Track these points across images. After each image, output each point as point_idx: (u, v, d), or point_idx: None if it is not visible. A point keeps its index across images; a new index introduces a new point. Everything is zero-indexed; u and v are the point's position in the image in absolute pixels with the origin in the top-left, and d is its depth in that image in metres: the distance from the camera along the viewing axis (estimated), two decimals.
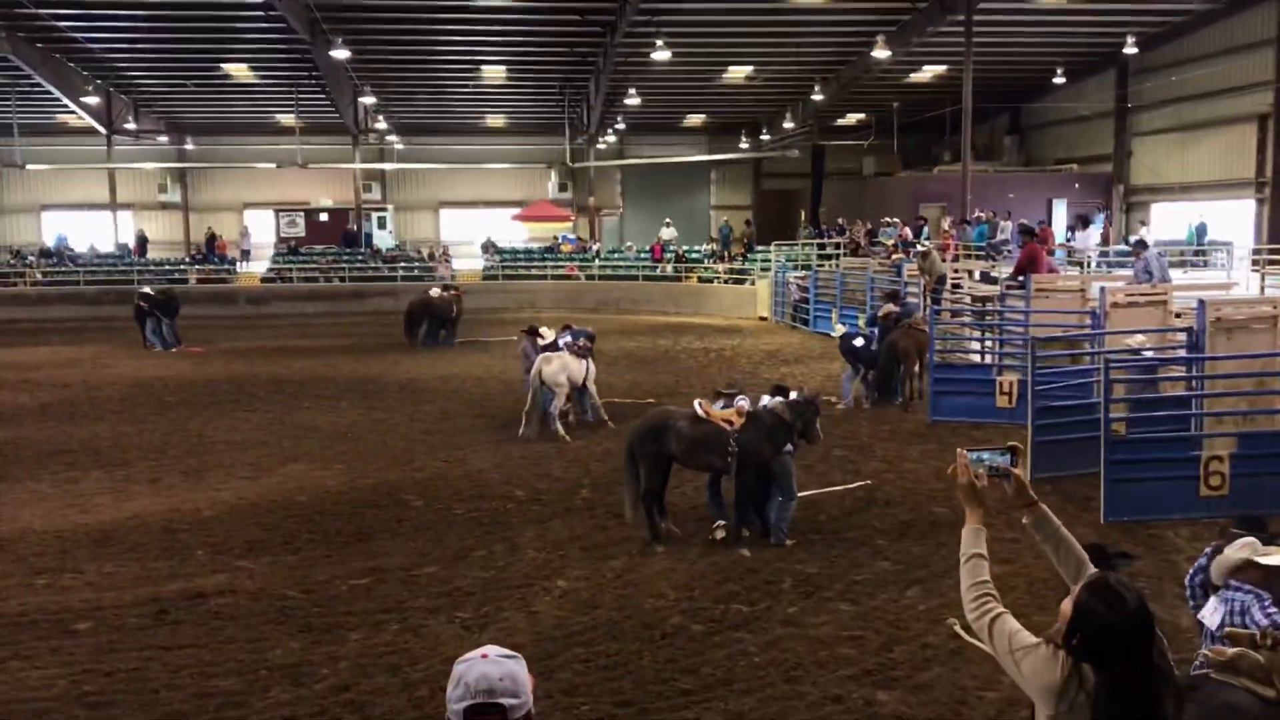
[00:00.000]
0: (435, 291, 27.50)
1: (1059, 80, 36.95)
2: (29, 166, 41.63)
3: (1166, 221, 35.25)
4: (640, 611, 8.48)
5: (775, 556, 9.77)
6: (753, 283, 33.86)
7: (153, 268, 37.40)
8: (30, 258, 40.11)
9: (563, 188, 45.28)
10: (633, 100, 36.84)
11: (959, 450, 3.60)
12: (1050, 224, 33.09)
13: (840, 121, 45.89)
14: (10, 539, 10.66)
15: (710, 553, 9.90)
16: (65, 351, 26.65)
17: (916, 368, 16.82)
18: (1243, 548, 4.82)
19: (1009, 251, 26.59)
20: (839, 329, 17.59)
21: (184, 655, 7.85)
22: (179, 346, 26.53)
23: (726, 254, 37.98)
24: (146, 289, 27.20)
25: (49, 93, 37.09)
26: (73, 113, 39.76)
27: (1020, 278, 17.83)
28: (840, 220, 37.65)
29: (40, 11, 30.68)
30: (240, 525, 11.10)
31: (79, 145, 43.04)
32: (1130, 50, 32.60)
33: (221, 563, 9.91)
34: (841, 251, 32.64)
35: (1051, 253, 24.63)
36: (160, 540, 10.61)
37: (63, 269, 39.04)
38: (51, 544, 10.52)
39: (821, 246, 34.45)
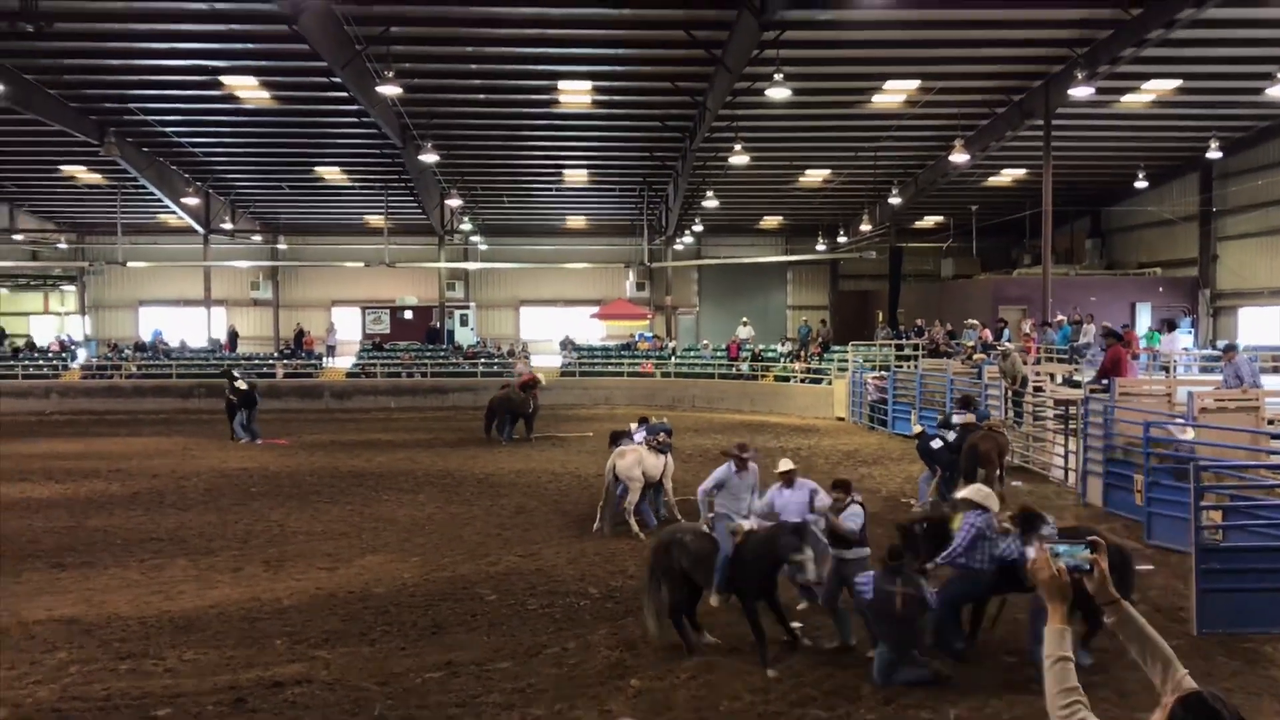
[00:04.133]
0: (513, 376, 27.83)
1: (1141, 184, 36.68)
2: (129, 264, 43.40)
3: (1255, 326, 34.45)
4: (716, 714, 8.32)
5: (854, 661, 9.54)
6: (830, 382, 33.69)
7: (242, 362, 38.44)
8: (126, 351, 41.56)
9: (640, 286, 45.86)
10: (710, 202, 37.40)
11: (1039, 544, 3.54)
12: (1134, 328, 32.54)
13: (918, 223, 45.98)
14: (97, 624, 10.86)
15: (787, 655, 9.71)
16: (156, 442, 27.38)
17: (998, 471, 16.51)
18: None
19: (1092, 355, 26.15)
20: (917, 428, 17.34)
21: None
22: (260, 439, 27.07)
23: (804, 354, 37.94)
24: (239, 382, 27.82)
25: (151, 193, 38.83)
26: (172, 213, 41.51)
27: (1104, 381, 17.51)
28: (919, 321, 37.46)
29: (148, 118, 32.36)
30: (318, 615, 11.18)
31: (177, 244, 44.84)
32: (1214, 154, 32.32)
33: (299, 652, 9.98)
34: (920, 352, 32.40)
35: (1136, 356, 24.16)
36: (240, 628, 10.73)
37: (156, 362, 40.35)
38: (136, 629, 10.70)
39: (900, 347, 34.24)
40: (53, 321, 49.59)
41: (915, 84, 28.55)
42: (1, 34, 24.45)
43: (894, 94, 29.42)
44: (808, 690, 8.84)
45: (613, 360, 40.70)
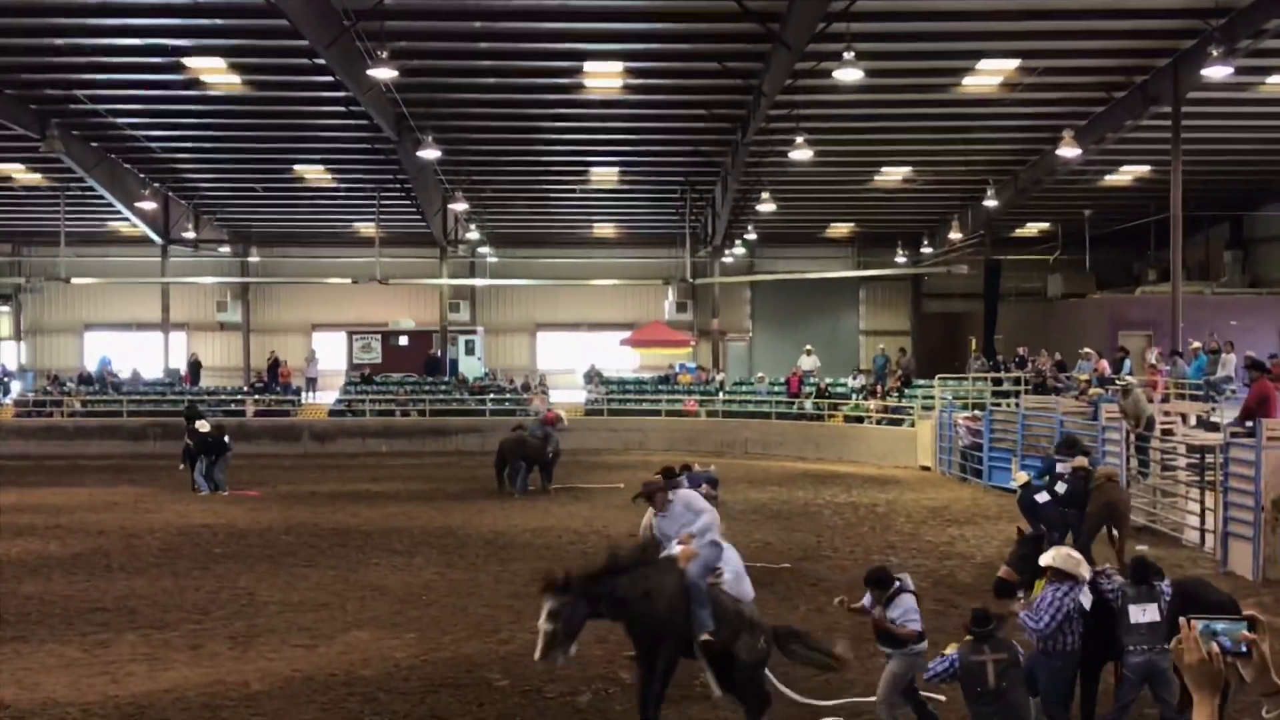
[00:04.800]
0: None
1: None
2: (74, 280, 43.96)
3: None
4: None
5: None
6: (912, 424, 33.50)
7: (206, 397, 38.80)
8: (69, 384, 42.06)
9: (681, 307, 45.87)
10: (766, 206, 37.44)
11: (1187, 620, 3.43)
12: None
13: (1019, 232, 45.78)
14: (30, 711, 10.92)
15: None
16: (103, 493, 27.60)
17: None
18: None
19: (1233, 391, 25.84)
20: (1020, 477, 17.14)
21: None
22: (227, 490, 27.25)
23: (880, 388, 37.77)
24: (202, 424, 28.12)
25: (100, 197, 39.41)
26: (125, 220, 42.09)
27: (1249, 422, 17.29)
28: (1020, 350, 37.21)
29: (97, 108, 32.87)
30: (293, 703, 11.18)
31: (130, 257, 45.46)
32: None
33: None
34: (1023, 387, 32.16)
35: None
36: (200, 719, 10.75)
37: (104, 397, 40.78)
38: (77, 718, 10.74)
39: (998, 381, 34.01)
40: None
41: (1015, 63, 28.48)
42: None
43: (989, 75, 29.39)
44: None
45: (648, 396, 40.71)
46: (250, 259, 48.80)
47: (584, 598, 9.05)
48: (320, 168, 38.95)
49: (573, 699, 11.30)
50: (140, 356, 45.28)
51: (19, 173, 39.10)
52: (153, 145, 36.89)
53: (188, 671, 12.28)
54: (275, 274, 48.73)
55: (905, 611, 9.62)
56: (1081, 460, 17.46)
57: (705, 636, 9.34)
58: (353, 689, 11.63)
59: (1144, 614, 9.32)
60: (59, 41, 28.39)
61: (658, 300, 47.33)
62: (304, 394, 42.51)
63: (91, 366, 44.81)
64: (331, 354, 47.20)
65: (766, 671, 10.02)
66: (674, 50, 28.85)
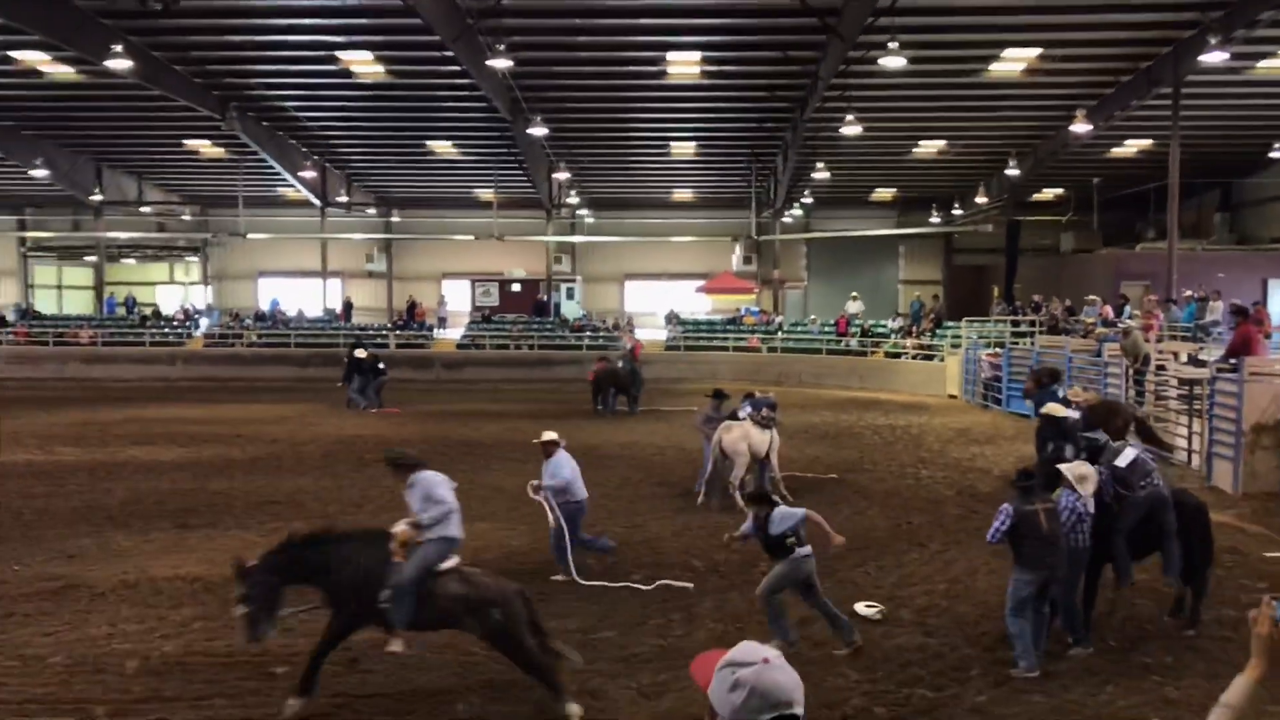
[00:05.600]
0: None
1: (1276, 154, 34.95)
2: (249, 236, 44.83)
3: None
4: (820, 691, 8.28)
5: (964, 642, 9.40)
6: (942, 359, 33.07)
7: (357, 332, 39.43)
8: (247, 321, 43.01)
9: (747, 260, 45.51)
10: (821, 174, 36.91)
11: (1267, 599, 3.31)
12: (1265, 305, 31.11)
13: (1036, 196, 44.66)
14: (219, 583, 11.28)
15: (896, 634, 9.62)
16: (274, 409, 28.29)
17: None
18: None
19: (1219, 333, 25.13)
20: (1055, 409, 16.51)
21: (372, 704, 8.13)
22: (379, 407, 27.80)
23: (915, 329, 37.28)
24: (360, 351, 28.74)
25: (271, 168, 39.96)
26: (291, 186, 42.64)
27: (1232, 360, 16.82)
28: (1036, 297, 36.46)
29: (267, 94, 33.29)
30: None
31: (295, 216, 46.10)
32: None
33: None
34: (1037, 329, 31.55)
35: (1268, 335, 23.12)
36: None
37: (275, 331, 41.66)
38: None
39: (1016, 324, 33.40)
40: (178, 291, 51.56)
41: (1036, 52, 27.68)
42: (131, 13, 25.41)
43: (1014, 62, 28.58)
44: (915, 670, 8.75)
45: (718, 334, 40.59)
46: (392, 219, 49.17)
47: (269, 573, 7.98)
48: (448, 143, 39.08)
49: (641, 586, 11.39)
50: (304, 299, 46.04)
51: (205, 147, 39.73)
52: (312, 124, 37.25)
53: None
54: (412, 231, 49.09)
55: (782, 519, 9.24)
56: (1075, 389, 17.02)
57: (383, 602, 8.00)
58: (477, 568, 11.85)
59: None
60: (237, 38, 28.72)
61: (726, 254, 46.95)
62: (436, 330, 42.99)
63: (264, 306, 45.66)
64: (458, 298, 47.69)
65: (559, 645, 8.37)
66: (744, 41, 28.45)
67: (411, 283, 48.77)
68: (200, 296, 49.91)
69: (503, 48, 24.37)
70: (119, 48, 24.92)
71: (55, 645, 9.34)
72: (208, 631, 9.74)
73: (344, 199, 44.83)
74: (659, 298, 48.13)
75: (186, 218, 48.66)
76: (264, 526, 14.08)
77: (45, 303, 49.31)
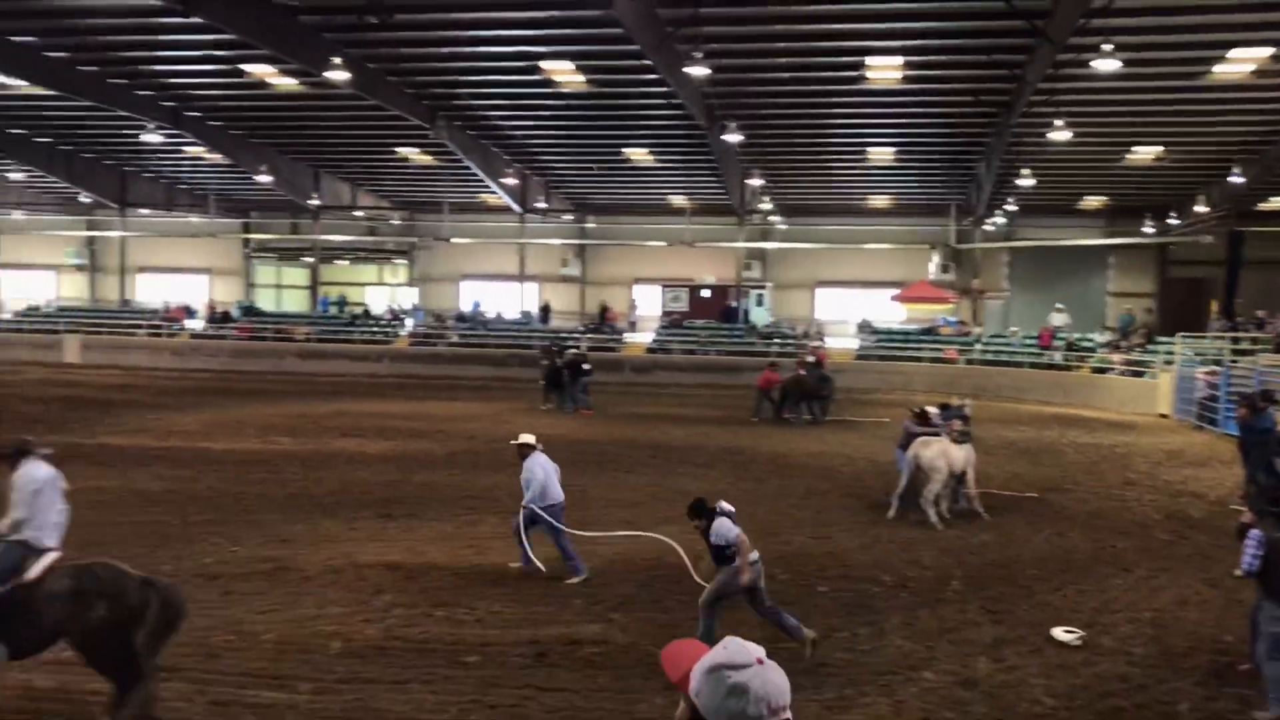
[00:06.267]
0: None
1: None
2: (453, 240, 46.62)
3: None
4: (1014, 717, 7.98)
5: (1172, 674, 8.87)
6: (1153, 376, 31.30)
7: (551, 335, 40.41)
8: (449, 321, 44.77)
9: (945, 269, 44.29)
10: (1026, 181, 35.52)
11: None
12: None
13: (1263, 205, 41.70)
14: (418, 572, 11.80)
15: (1097, 662, 9.16)
16: (473, 406, 29.30)
17: None
18: None
19: None
20: None
21: (558, 698, 8.31)
22: (576, 408, 28.38)
23: (1124, 344, 35.41)
24: (567, 353, 29.61)
25: (474, 174, 41.43)
26: (493, 192, 44.09)
27: None
28: (1260, 313, 34.06)
29: (474, 103, 34.57)
30: (615, 580, 11.64)
31: (495, 222, 47.65)
32: None
33: (596, 613, 10.43)
34: (1260, 347, 29.46)
35: None
36: (544, 586, 11.35)
37: (475, 332, 43.20)
38: (450, 580, 11.54)
39: (1236, 340, 31.29)
40: (385, 292, 54.08)
41: (1268, 52, 25.81)
42: (351, 27, 26.89)
43: (1240, 63, 26.73)
44: (1116, 701, 8.31)
45: (912, 345, 39.65)
46: (587, 224, 50.20)
47: None
48: (643, 149, 39.58)
49: (840, 594, 11.24)
50: (502, 300, 47.49)
51: (415, 154, 41.55)
52: (515, 132, 38.41)
53: (535, 549, 12.93)
54: (606, 237, 49.95)
55: (721, 533, 9.22)
56: None
57: None
58: (660, 572, 11.97)
59: None
60: (446, 50, 29.95)
61: (922, 262, 45.79)
62: (626, 334, 43.60)
63: (466, 307, 47.36)
64: (648, 302, 48.26)
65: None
66: (947, 45, 27.70)
67: (604, 287, 49.63)
68: (407, 297, 52.18)
69: (700, 55, 24.51)
70: (338, 60, 26.38)
71: (267, 623, 9.94)
72: (406, 618, 10.18)
73: (542, 205, 46.03)
74: (851, 305, 47.38)
75: (395, 222, 50.99)
76: (460, 519, 14.61)
77: (265, 301, 52.63)
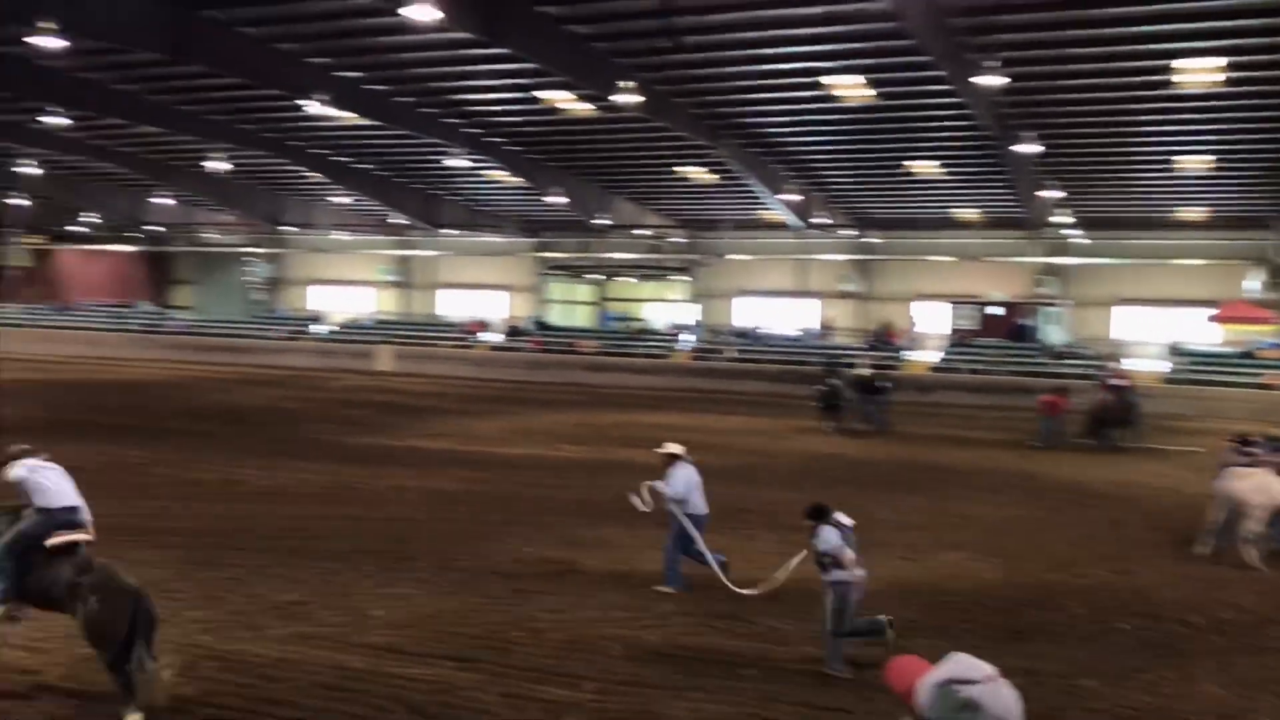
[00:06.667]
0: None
1: None
2: (730, 257, 47.12)
3: None
4: None
5: None
6: None
7: (829, 352, 40.04)
8: (727, 337, 45.28)
9: (1270, 286, 40.42)
10: None
11: None
12: None
13: None
14: (696, 582, 11.88)
15: None
16: (749, 421, 29.45)
17: None
18: None
19: None
20: None
21: (835, 717, 8.19)
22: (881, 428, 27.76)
23: None
24: (862, 370, 29.25)
25: (753, 191, 41.72)
26: (770, 209, 44.22)
27: None
28: None
29: (756, 120, 34.83)
30: (896, 604, 11.32)
31: (772, 238, 47.76)
32: None
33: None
34: None
35: None
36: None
37: (752, 347, 43.46)
38: (728, 592, 11.56)
39: None
40: (666, 308, 55.34)
41: None
42: (640, 51, 27.81)
43: None
44: None
45: (1228, 369, 36.46)
46: (867, 240, 49.39)
47: None
48: (929, 162, 38.54)
49: (1143, 633, 10.48)
50: (779, 317, 47.49)
51: (696, 173, 42.35)
52: (796, 148, 38.38)
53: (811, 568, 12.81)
54: (888, 253, 48.98)
55: (824, 540, 9.46)
56: None
57: None
58: (945, 598, 11.59)
59: None
60: (731, 69, 30.33)
61: (1236, 279, 42.03)
62: (908, 353, 42.55)
63: (743, 324, 47.73)
64: (931, 320, 46.84)
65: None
66: (1272, 44, 25.35)
67: (885, 303, 48.64)
68: (686, 313, 53.18)
69: (994, 64, 23.63)
70: (628, 84, 27.31)
71: (554, 622, 10.37)
72: (686, 626, 10.34)
73: (821, 220, 45.70)
74: (1155, 325, 44.10)
75: (677, 240, 52.11)
76: (738, 533, 14.67)
77: (556, 316, 55.11)
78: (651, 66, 29.46)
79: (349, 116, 34.74)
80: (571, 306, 57.20)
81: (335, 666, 8.88)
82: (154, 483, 17.23)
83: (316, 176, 47.03)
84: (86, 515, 8.57)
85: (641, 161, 41.90)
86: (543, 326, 49.62)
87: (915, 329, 45.14)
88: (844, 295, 49.54)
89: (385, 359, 46.16)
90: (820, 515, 9.65)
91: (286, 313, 57.26)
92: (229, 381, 38.17)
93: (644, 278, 56.17)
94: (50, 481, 8.48)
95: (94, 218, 59.51)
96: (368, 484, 17.65)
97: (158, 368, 43.65)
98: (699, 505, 11.93)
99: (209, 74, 31.22)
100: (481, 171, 43.92)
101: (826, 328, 46.10)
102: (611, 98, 28.44)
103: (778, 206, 43.11)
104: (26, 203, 55.13)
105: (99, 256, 62.51)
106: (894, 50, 26.74)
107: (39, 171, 48.80)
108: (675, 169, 42.29)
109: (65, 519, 8.34)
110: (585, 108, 33.83)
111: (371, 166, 46.26)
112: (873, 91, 30.66)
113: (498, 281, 55.52)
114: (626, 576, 12.12)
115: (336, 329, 52.43)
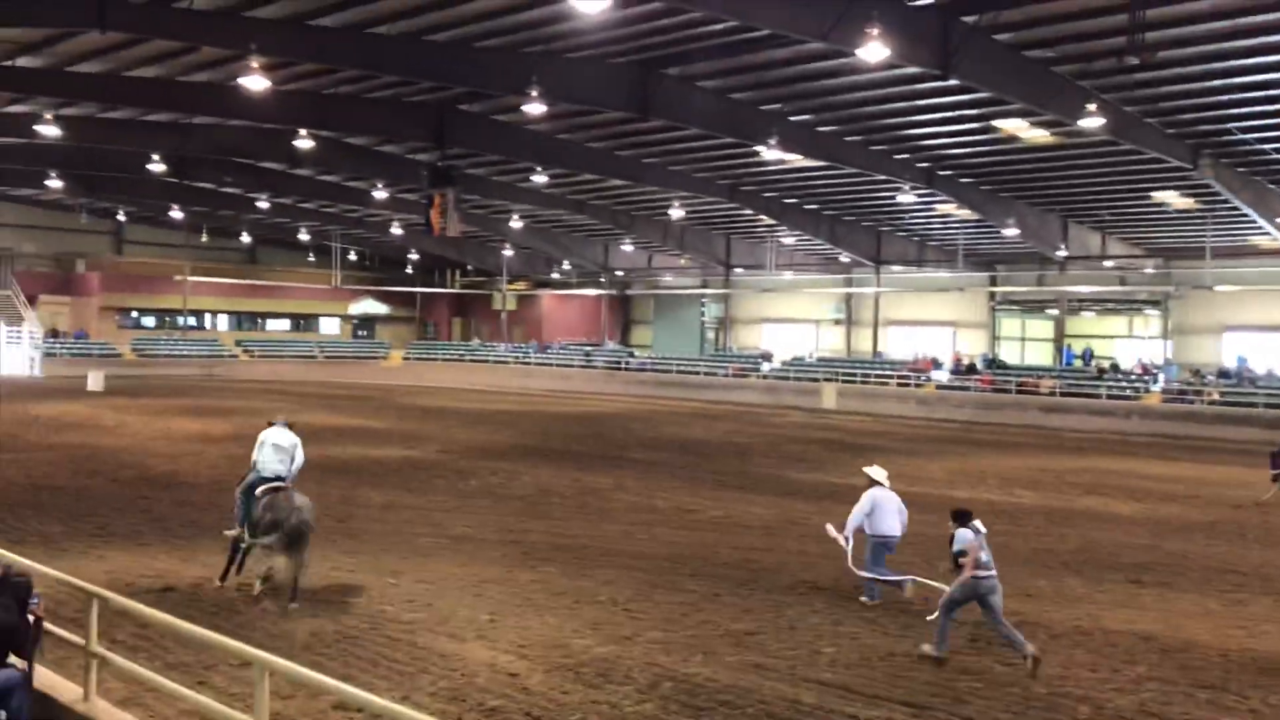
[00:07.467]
0: None
1: None
2: (1216, 288, 42.70)
3: None
4: None
5: None
6: None
7: None
8: (1208, 377, 41.00)
9: None
10: None
11: None
12: None
13: None
14: (1174, 647, 10.90)
15: None
16: (1235, 472, 26.23)
17: None
18: None
19: None
20: None
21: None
22: None
23: None
24: None
25: (1244, 215, 37.53)
26: (1266, 234, 39.57)
27: None
28: None
29: (1245, 137, 31.37)
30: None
31: (1265, 267, 42.71)
32: None
33: None
34: None
35: None
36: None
37: (1240, 390, 39.02)
38: (1216, 661, 10.48)
39: None
40: (1135, 344, 51.16)
41: None
42: (1107, 71, 26.14)
43: None
44: None
45: None
46: None
47: None
48: None
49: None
50: (1276, 355, 42.29)
51: (1173, 198, 38.89)
52: None
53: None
54: None
55: (958, 539, 10.33)
56: None
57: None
58: None
59: None
60: (1213, 84, 27.61)
61: None
62: None
63: (1229, 363, 43.15)
64: None
65: None
66: None
67: None
68: (1158, 350, 48.89)
69: None
70: (1092, 106, 25.77)
71: (1011, 675, 9.86)
72: (1163, 694, 9.45)
73: None
74: None
75: (1148, 270, 48.16)
76: (1224, 595, 13.27)
77: (1009, 353, 52.79)
78: (1118, 87, 27.59)
79: (798, 159, 35.69)
80: (1024, 343, 54.64)
81: (787, 700, 9.05)
82: (617, 508, 18.61)
83: (765, 219, 48.73)
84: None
85: (1107, 188, 39.19)
86: (994, 364, 47.73)
87: None
88: None
89: (829, 396, 46.63)
90: (962, 519, 10.47)
91: (736, 350, 59.65)
92: (683, 415, 40.44)
93: (1106, 312, 52.44)
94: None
95: (567, 265, 65.97)
96: (812, 519, 17.88)
97: (620, 401, 47.28)
98: (889, 527, 12.66)
99: (670, 127, 33.56)
100: (931, 206, 43.31)
101: None
102: (1080, 122, 26.94)
103: (1274, 231, 38.49)
104: (511, 253, 62.39)
105: (571, 300, 69.13)
106: None
107: (521, 224, 54.93)
108: (1147, 193, 39.13)
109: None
110: (1043, 134, 32.34)
111: (819, 206, 47.17)
112: None
113: (944, 318, 54.25)
114: (1090, 634, 11.30)
115: (780, 366, 53.79)
